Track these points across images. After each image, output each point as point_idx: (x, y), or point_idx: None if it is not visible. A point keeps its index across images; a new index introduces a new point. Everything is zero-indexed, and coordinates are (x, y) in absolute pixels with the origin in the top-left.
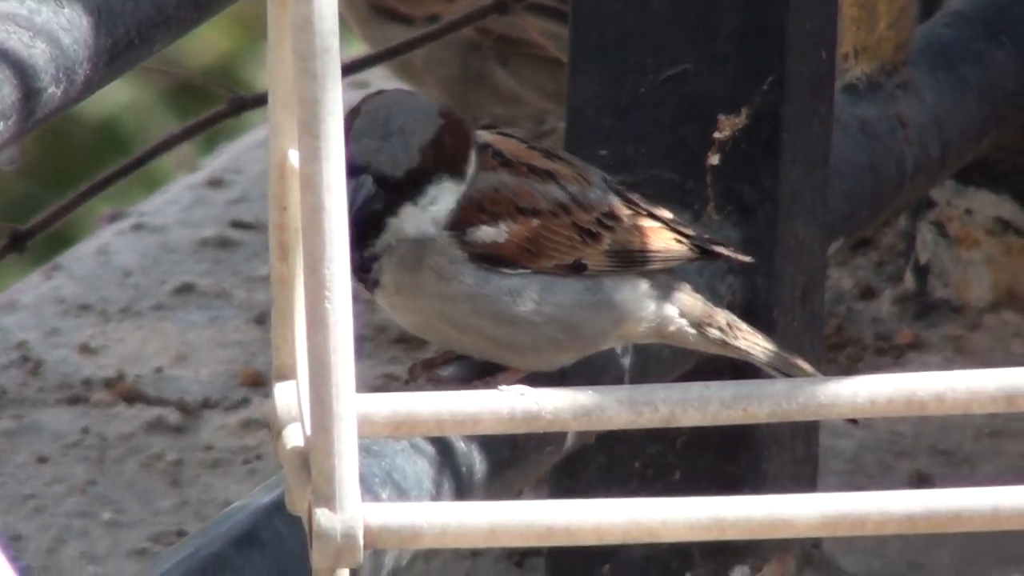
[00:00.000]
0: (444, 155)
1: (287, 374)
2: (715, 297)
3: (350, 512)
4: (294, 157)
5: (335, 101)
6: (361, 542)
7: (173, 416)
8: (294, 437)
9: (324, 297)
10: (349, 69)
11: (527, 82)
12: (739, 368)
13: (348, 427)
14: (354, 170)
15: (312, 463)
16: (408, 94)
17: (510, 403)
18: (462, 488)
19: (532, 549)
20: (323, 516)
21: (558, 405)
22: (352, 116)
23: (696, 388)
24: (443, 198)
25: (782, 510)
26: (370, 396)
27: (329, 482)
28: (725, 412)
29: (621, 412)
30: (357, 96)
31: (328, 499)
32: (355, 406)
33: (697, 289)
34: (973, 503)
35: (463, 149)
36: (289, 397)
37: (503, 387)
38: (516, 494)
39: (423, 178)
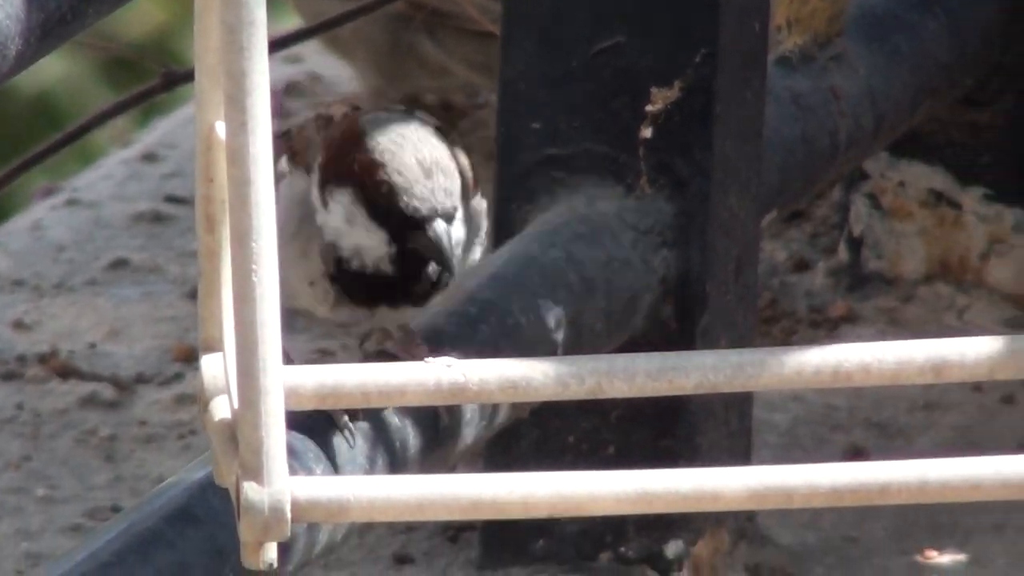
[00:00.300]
0: (463, 169)
1: (214, 346)
2: (649, 270)
3: (277, 485)
4: (220, 129)
5: (262, 73)
6: (288, 515)
7: (107, 391)
8: (221, 410)
9: (251, 270)
10: (281, 43)
11: (455, 54)
12: (673, 342)
13: (275, 400)
14: (423, 220)
15: (239, 436)
16: (400, 116)
17: (436, 374)
18: (396, 463)
19: (467, 524)
20: (250, 489)
21: (484, 376)
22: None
23: (622, 360)
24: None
25: (709, 483)
26: (296, 368)
27: (256, 455)
28: (651, 384)
29: (547, 384)
30: (290, 70)
31: (255, 472)
32: (282, 379)
33: (629, 262)
34: (900, 476)
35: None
36: (216, 369)
37: (429, 359)
38: (450, 469)
39: (463, 194)
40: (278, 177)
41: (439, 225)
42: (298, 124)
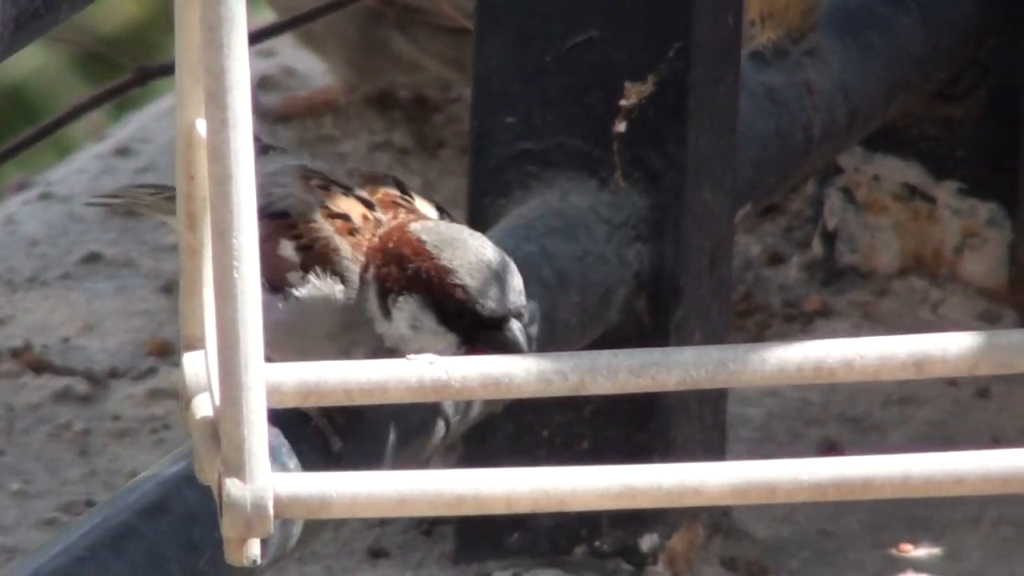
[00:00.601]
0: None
1: (195, 344)
2: (623, 264)
3: (260, 482)
4: (201, 127)
5: (242, 71)
6: (271, 512)
7: (81, 386)
8: (203, 407)
9: (232, 267)
10: (254, 38)
11: (427, 50)
12: (647, 336)
13: (257, 397)
14: (499, 321)
15: (221, 433)
16: (446, 223)
17: (419, 372)
18: (370, 457)
19: (441, 518)
20: (233, 486)
21: (466, 374)
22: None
23: (604, 356)
24: None
25: (692, 478)
26: (278, 366)
27: (238, 452)
28: (634, 380)
29: (530, 381)
30: (263, 65)
31: (238, 469)
32: (263, 376)
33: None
34: (883, 471)
35: None
36: (198, 367)
37: (411, 356)
38: (425, 463)
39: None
40: (289, 283)
41: (515, 325)
42: (300, 213)
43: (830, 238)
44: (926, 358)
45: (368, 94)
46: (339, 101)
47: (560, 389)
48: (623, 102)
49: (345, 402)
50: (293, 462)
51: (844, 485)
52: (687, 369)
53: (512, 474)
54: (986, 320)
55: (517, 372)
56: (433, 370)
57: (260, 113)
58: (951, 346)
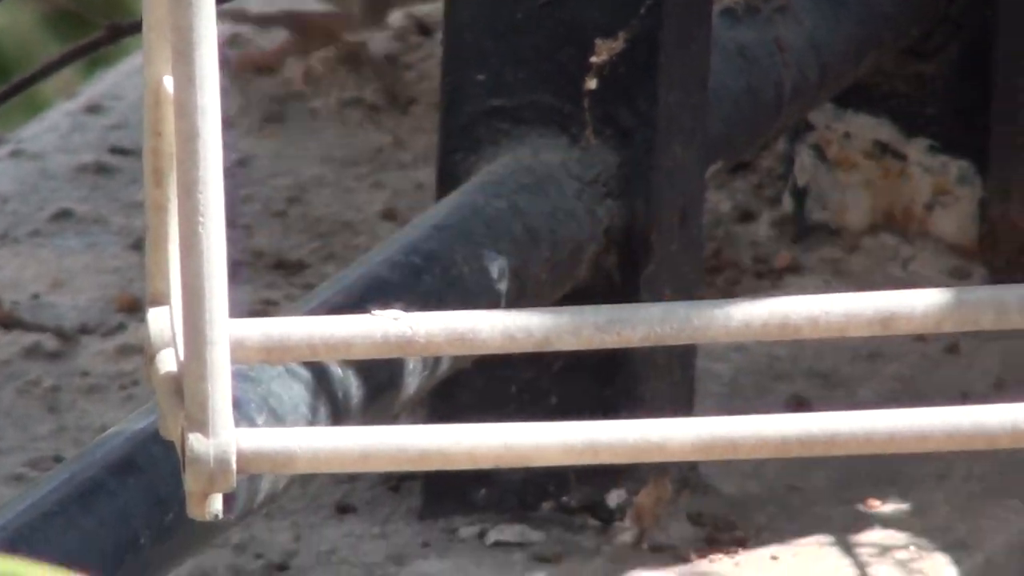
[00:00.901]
0: None
1: (161, 300)
2: (593, 221)
3: (223, 437)
4: (168, 83)
5: (209, 27)
6: (234, 467)
7: (50, 342)
8: (167, 363)
9: (198, 222)
10: None
11: None
12: (617, 292)
13: (221, 352)
14: None
15: (185, 388)
16: None
17: (384, 327)
18: (338, 413)
19: (409, 474)
20: (196, 441)
21: (432, 330)
22: None
23: (569, 313)
24: None
25: (656, 434)
26: (242, 321)
27: (202, 407)
28: (599, 336)
29: (495, 337)
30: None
31: (201, 424)
32: (227, 331)
33: (574, 213)
34: (847, 427)
35: None
36: (163, 323)
37: (376, 311)
38: (393, 419)
39: None
40: None
41: None
42: None
43: (800, 195)
44: (892, 315)
45: (338, 52)
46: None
47: (525, 345)
48: (594, 59)
49: (309, 358)
50: (262, 417)
51: (808, 441)
52: (652, 325)
53: (476, 429)
54: (956, 277)
55: (482, 328)
56: (398, 326)
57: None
58: (917, 303)
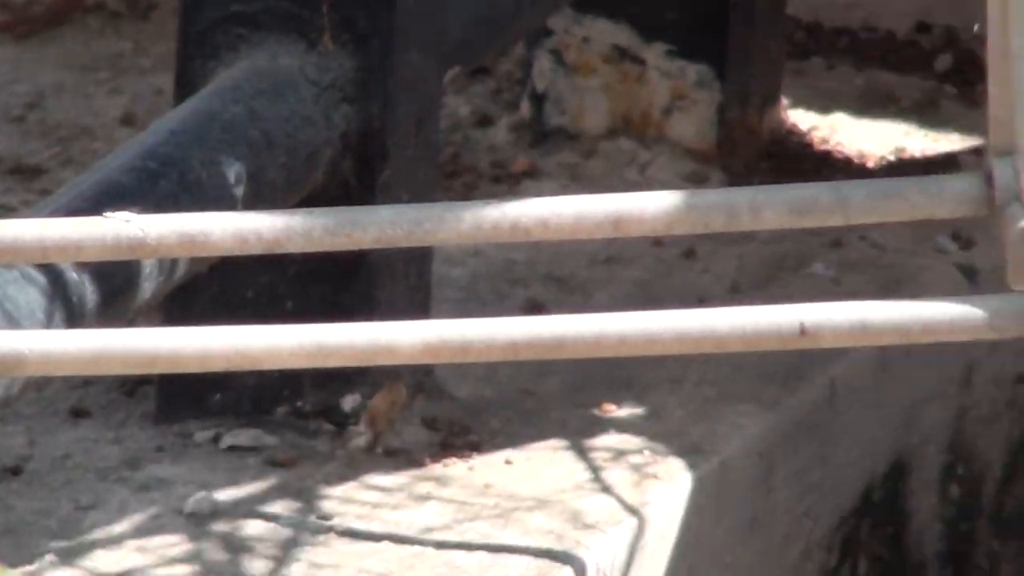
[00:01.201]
0: None
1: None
2: (329, 126)
3: None
4: None
5: None
6: None
7: None
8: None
9: None
10: None
11: None
12: (353, 197)
13: None
14: None
15: None
16: None
17: (115, 229)
18: (73, 317)
19: (144, 378)
20: None
21: (163, 232)
22: None
23: (300, 215)
24: None
25: (385, 336)
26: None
27: None
28: (330, 238)
29: (226, 239)
30: None
31: None
32: None
33: (310, 118)
34: (576, 330)
35: None
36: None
37: (108, 213)
38: (129, 324)
39: None
40: None
41: None
42: None
43: (539, 100)
44: (623, 217)
45: None
46: None
47: (256, 247)
48: None
49: (41, 260)
50: None
51: (537, 344)
52: (383, 227)
53: (206, 332)
54: (693, 181)
55: (213, 230)
56: (129, 228)
57: None
58: (648, 205)
